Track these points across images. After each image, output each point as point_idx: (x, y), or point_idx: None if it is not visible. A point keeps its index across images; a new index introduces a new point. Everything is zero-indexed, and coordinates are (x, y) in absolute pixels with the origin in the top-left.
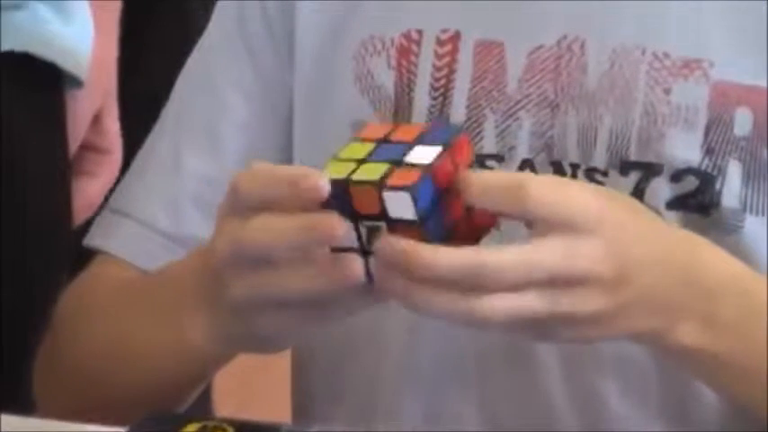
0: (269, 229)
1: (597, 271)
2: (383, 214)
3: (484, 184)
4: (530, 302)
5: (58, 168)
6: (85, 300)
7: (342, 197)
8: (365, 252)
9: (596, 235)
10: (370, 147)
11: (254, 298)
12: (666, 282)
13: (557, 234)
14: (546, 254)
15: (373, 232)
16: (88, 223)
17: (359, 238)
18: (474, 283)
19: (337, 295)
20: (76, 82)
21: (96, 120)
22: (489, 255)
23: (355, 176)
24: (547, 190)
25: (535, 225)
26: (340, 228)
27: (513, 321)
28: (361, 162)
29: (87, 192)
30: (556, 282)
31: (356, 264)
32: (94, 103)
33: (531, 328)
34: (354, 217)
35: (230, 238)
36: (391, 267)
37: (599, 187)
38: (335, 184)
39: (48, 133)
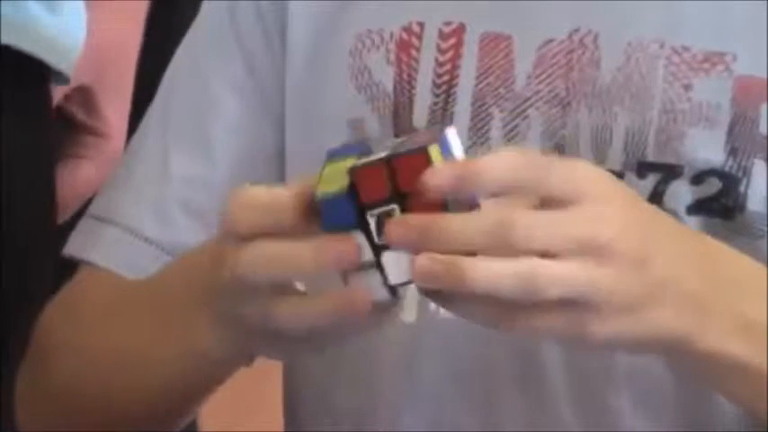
0: (272, 257)
1: (623, 240)
2: (394, 194)
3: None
4: (571, 271)
5: (41, 165)
6: (73, 313)
7: (340, 206)
8: (378, 249)
9: (612, 205)
10: (352, 160)
11: (264, 326)
12: (690, 272)
13: (575, 205)
14: (571, 217)
15: (384, 220)
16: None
17: (368, 238)
18: (504, 242)
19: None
20: (63, 76)
21: (87, 100)
22: (520, 213)
23: (360, 162)
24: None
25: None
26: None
27: (561, 292)
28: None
29: (77, 176)
30: (586, 251)
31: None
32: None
33: (563, 317)
34: (359, 217)
35: (231, 271)
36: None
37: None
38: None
39: (30, 129)
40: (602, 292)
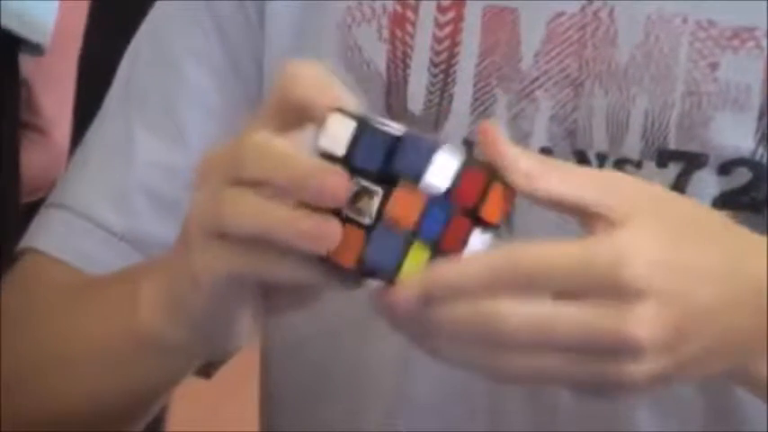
0: (261, 215)
1: (652, 336)
2: (384, 175)
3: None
4: (595, 318)
5: (9, 145)
6: (24, 302)
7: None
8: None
9: (647, 294)
10: None
11: (222, 275)
12: (742, 321)
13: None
14: (590, 257)
15: (361, 195)
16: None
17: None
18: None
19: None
20: (37, 48)
21: (27, 96)
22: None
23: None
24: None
25: None
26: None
27: (582, 341)
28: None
29: None
30: (609, 294)
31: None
32: None
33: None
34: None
35: (214, 208)
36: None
37: (638, 194)
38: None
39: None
40: (632, 337)
